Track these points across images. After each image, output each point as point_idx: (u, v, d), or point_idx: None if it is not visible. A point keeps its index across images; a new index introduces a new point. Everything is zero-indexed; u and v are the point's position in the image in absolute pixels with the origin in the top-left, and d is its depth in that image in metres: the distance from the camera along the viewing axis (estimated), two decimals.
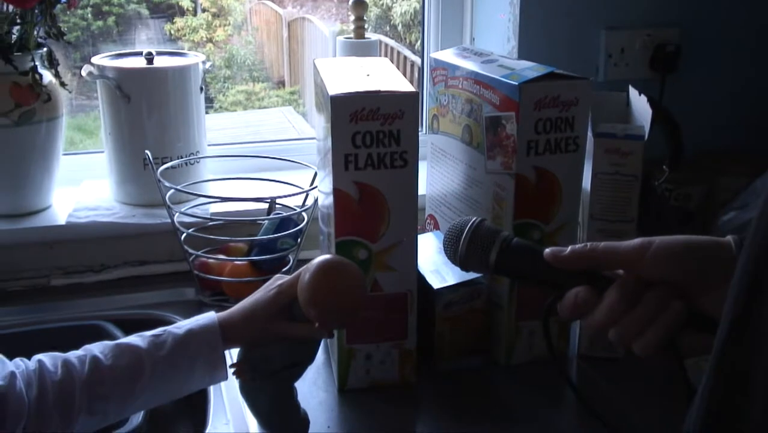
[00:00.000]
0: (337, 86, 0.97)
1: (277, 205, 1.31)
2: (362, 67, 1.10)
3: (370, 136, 0.96)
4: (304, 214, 1.27)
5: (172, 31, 2.74)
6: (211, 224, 1.33)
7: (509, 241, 0.74)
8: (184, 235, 1.26)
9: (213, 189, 1.42)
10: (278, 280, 0.91)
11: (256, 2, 3.26)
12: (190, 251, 1.26)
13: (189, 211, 1.30)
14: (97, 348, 0.85)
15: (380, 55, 1.51)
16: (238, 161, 1.48)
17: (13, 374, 0.78)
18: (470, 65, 1.11)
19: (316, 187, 1.24)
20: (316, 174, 1.32)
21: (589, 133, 1.06)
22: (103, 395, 0.81)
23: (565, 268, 0.70)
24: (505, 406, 1.04)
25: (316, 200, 1.25)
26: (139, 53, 1.39)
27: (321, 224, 1.15)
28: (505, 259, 0.74)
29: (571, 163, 1.05)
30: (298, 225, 1.27)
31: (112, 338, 1.00)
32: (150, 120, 1.35)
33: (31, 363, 0.82)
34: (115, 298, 1.28)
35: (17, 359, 0.82)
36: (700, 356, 0.69)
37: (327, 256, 0.88)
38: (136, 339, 0.86)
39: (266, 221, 1.26)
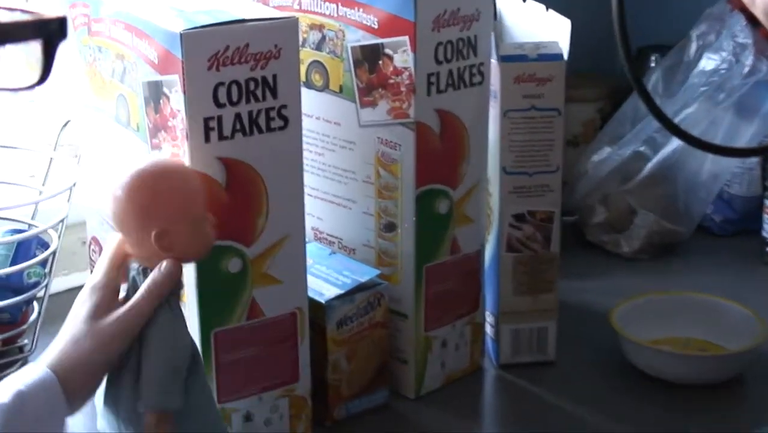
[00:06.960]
0: (177, 22, 0.60)
1: None
2: None
3: (237, 87, 0.60)
4: (50, 231, 0.83)
5: None
6: None
7: None
8: None
9: None
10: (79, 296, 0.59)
11: None
12: None
13: None
14: None
15: None
16: None
17: None
18: None
19: (73, 186, 0.82)
20: (52, 162, 0.88)
21: (493, 61, 0.78)
22: None
23: None
24: None
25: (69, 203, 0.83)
26: None
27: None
28: None
29: (478, 102, 0.77)
30: (46, 244, 0.83)
31: None
32: None
33: None
34: None
35: None
36: None
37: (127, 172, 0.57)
38: None
39: None
